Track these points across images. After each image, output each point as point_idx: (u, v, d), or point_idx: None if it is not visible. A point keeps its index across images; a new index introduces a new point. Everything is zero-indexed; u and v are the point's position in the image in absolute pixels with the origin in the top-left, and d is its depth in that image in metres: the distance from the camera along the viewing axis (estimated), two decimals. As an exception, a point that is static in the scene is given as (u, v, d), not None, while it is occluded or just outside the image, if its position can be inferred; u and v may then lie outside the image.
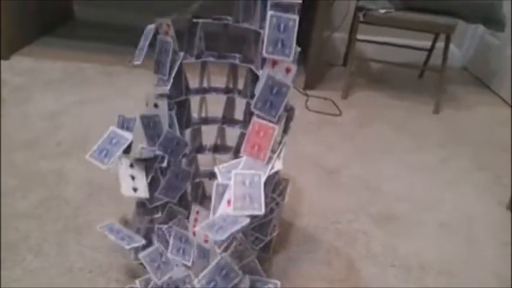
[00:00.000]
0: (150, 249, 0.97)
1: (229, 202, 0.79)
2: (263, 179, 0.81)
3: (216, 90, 1.20)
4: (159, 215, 1.04)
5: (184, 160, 1.16)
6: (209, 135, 1.25)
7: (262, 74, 0.89)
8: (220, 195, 0.81)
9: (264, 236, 1.04)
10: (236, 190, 0.79)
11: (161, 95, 1.05)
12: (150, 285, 0.94)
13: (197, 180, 1.26)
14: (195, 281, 0.84)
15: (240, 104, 1.18)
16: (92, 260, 1.10)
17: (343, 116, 1.99)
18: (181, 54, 1.06)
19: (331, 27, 2.51)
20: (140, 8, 2.53)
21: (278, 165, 0.86)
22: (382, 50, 2.39)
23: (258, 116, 0.88)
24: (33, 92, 1.90)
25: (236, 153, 1.19)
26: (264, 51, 0.85)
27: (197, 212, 1.02)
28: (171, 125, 1.05)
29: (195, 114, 1.21)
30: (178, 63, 1.04)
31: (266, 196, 0.82)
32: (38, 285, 1.02)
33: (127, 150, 0.96)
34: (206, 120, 1.22)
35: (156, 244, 1.00)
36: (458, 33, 2.18)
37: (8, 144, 1.51)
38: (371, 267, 1.18)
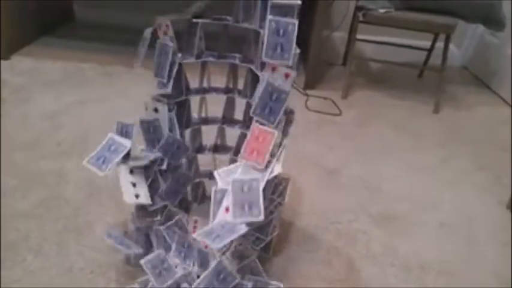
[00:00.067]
0: (151, 255, 0.96)
1: (227, 209, 0.79)
2: (262, 185, 0.81)
3: (216, 90, 1.20)
4: (158, 218, 1.04)
5: (184, 161, 1.16)
6: (209, 135, 1.25)
7: (262, 79, 0.89)
8: (219, 202, 0.82)
9: (265, 236, 1.04)
10: (235, 197, 0.79)
11: (162, 96, 1.05)
12: (149, 286, 0.94)
13: (197, 180, 1.27)
14: (194, 285, 0.84)
15: (240, 104, 1.18)
16: (92, 260, 1.10)
17: (343, 116, 1.99)
18: (180, 55, 1.06)
19: (331, 26, 2.51)
20: (140, 8, 2.53)
21: (277, 168, 0.86)
22: (381, 49, 2.39)
23: (257, 122, 0.89)
24: (33, 92, 1.90)
25: (236, 153, 1.19)
26: (263, 56, 0.86)
27: (195, 221, 1.03)
28: (171, 128, 1.05)
29: (195, 114, 1.21)
30: (177, 65, 1.04)
31: (265, 199, 0.82)
32: (38, 285, 1.02)
33: (126, 157, 0.96)
34: (206, 120, 1.22)
35: (157, 250, 1.00)
36: (458, 32, 2.18)
37: (8, 144, 1.51)
38: (371, 267, 1.18)
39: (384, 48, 2.39)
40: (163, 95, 1.05)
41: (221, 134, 1.26)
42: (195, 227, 1.02)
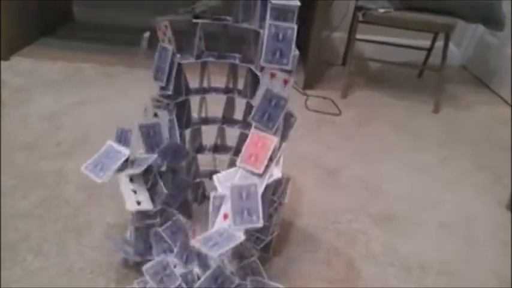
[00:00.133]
0: (153, 262, 0.96)
1: (225, 216, 0.79)
2: (260, 190, 0.81)
3: (216, 90, 1.20)
4: (157, 220, 1.04)
5: (184, 162, 1.16)
6: (209, 135, 1.25)
7: (261, 84, 0.90)
8: (217, 209, 0.82)
9: (265, 236, 1.04)
10: (234, 204, 0.79)
11: (162, 96, 1.05)
12: (148, 285, 0.94)
13: (197, 180, 1.27)
14: None
15: (240, 104, 1.18)
16: (92, 260, 1.10)
17: (343, 116, 1.99)
18: (180, 55, 1.06)
19: (331, 26, 2.51)
20: (140, 8, 2.53)
21: (277, 173, 0.86)
22: (381, 49, 2.39)
23: (256, 128, 0.89)
24: (33, 92, 1.90)
25: (236, 153, 1.19)
26: (262, 61, 0.86)
27: (194, 231, 1.03)
28: (171, 132, 1.05)
29: (195, 114, 1.21)
30: (176, 66, 1.04)
31: (265, 203, 0.82)
32: (38, 285, 1.02)
33: (124, 164, 0.96)
34: (206, 120, 1.22)
35: (158, 257, 1.00)
36: (457, 32, 2.18)
37: (8, 145, 1.51)
38: (371, 267, 1.18)
39: (383, 48, 2.39)
40: (164, 96, 1.06)
41: (221, 134, 1.26)
42: (194, 231, 1.02)
